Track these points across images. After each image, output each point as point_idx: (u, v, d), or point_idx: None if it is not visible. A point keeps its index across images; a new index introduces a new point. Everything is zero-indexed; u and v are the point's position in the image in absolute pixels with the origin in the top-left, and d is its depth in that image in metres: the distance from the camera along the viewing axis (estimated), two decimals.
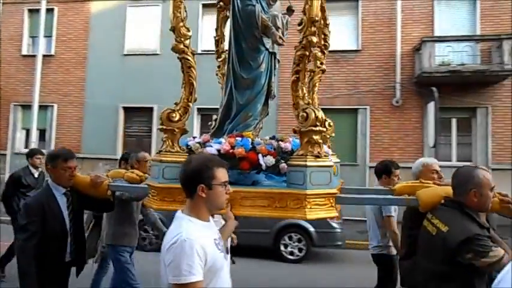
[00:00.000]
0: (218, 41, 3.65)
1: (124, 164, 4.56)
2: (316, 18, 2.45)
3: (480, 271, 2.17)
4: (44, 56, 13.30)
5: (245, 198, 2.43)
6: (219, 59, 3.64)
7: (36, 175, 5.36)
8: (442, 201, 2.38)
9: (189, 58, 2.75)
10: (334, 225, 7.04)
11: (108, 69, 13.56)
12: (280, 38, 2.81)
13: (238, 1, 2.87)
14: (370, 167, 11.67)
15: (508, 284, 1.44)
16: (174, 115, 2.68)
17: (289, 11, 3.18)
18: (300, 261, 6.97)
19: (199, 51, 13.05)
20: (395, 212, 3.95)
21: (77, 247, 2.97)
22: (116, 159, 6.84)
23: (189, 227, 1.77)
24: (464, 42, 11.79)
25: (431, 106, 10.29)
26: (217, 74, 3.65)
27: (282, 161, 2.56)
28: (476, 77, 11.41)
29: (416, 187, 2.76)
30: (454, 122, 12.22)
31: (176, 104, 2.77)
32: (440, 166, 3.28)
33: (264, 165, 2.47)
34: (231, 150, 2.52)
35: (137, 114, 13.68)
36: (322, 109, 2.48)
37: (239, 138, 2.63)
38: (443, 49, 11.65)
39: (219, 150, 2.55)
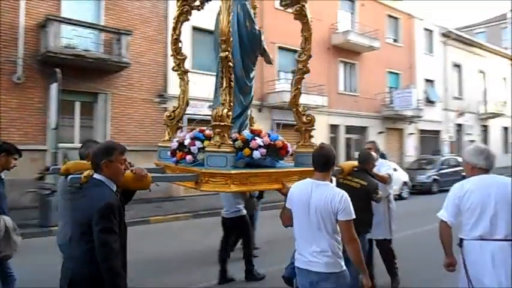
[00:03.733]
0: (176, 40, 4.17)
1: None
2: (312, 56, 3.99)
3: None
4: None
5: (287, 175, 3.67)
6: (179, 57, 4.19)
7: None
8: (355, 168, 4.57)
9: (231, 65, 3.51)
10: None
11: None
12: (271, 59, 4.04)
13: (247, 23, 3.81)
14: None
15: None
16: (230, 113, 3.41)
17: None
18: None
19: None
20: None
21: None
22: None
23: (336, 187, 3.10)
24: (89, 29, 12.70)
25: (54, 87, 10.51)
26: (176, 70, 4.19)
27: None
28: (99, 64, 12.61)
29: None
30: (77, 105, 13.12)
31: (223, 104, 3.46)
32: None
33: (290, 152, 3.77)
34: (272, 142, 3.62)
35: None
36: None
37: (265, 133, 3.73)
38: (69, 32, 12.11)
39: (263, 142, 3.58)
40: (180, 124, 4.21)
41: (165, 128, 4.30)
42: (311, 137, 4.04)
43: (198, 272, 6.04)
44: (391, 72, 24.54)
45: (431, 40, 27.45)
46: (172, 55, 4.24)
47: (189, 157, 3.61)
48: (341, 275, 2.95)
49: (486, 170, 3.20)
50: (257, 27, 3.94)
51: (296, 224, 3.12)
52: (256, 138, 3.59)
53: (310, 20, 3.98)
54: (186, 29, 15.00)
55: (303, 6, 3.99)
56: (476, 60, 30.66)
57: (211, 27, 4.08)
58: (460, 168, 19.01)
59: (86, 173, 2.86)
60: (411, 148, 25.24)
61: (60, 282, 2.64)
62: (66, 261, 2.77)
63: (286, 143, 3.76)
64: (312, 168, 3.65)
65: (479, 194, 3.08)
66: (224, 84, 3.50)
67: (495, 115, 31.04)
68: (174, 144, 3.79)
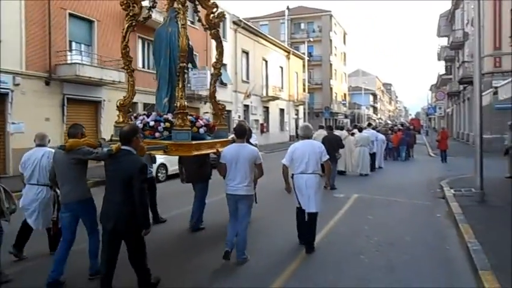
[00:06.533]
0: (126, 46, 5.83)
1: None
2: (225, 65, 6.34)
3: None
4: None
5: (214, 144, 5.97)
6: (128, 58, 5.86)
7: None
8: None
9: (186, 72, 5.57)
10: None
11: None
12: (197, 64, 6.18)
13: (188, 41, 5.88)
14: None
15: None
16: (187, 104, 5.48)
17: None
18: None
19: None
20: None
21: None
22: None
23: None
24: None
25: None
26: (126, 69, 5.87)
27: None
28: None
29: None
30: None
31: (181, 98, 5.49)
32: None
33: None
34: (208, 123, 5.87)
35: None
36: None
37: (201, 116, 5.93)
38: None
39: (203, 122, 5.79)
40: (130, 109, 5.95)
41: None
42: (223, 119, 6.45)
43: None
44: None
45: (224, 26, 31.45)
46: (121, 57, 5.91)
47: (157, 134, 5.53)
48: (252, 197, 5.61)
49: (305, 137, 6.24)
50: (190, 43, 6.07)
51: (229, 170, 5.45)
52: (198, 120, 5.82)
53: (222, 40, 6.34)
54: None
55: (218, 30, 6.32)
56: (261, 49, 36.78)
57: None
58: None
59: (115, 146, 4.38)
60: None
61: (105, 221, 4.25)
62: (109, 205, 4.27)
63: (214, 123, 6.12)
64: (226, 139, 6.16)
65: (301, 149, 6.06)
66: (180, 85, 5.56)
67: (274, 98, 38.20)
68: (139, 124, 5.60)
